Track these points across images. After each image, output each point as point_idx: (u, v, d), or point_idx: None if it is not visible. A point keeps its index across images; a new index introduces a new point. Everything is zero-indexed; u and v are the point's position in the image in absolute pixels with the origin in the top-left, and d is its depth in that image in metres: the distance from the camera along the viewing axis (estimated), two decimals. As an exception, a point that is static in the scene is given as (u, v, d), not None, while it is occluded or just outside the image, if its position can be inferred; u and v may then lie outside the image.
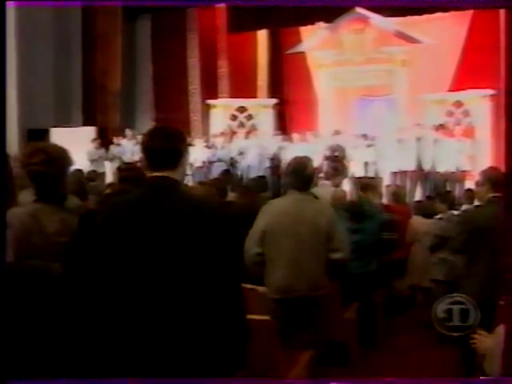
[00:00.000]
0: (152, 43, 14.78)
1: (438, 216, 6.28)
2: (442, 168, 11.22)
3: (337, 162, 5.37)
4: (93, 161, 11.94)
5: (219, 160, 12.29)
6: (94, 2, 13.38)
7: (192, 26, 14.71)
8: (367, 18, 13.62)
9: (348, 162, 10.18)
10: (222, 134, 13.31)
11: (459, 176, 11.16)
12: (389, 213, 6.10)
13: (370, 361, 4.77)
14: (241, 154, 12.34)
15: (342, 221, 4.85)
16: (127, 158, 11.80)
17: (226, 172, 10.50)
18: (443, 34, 13.13)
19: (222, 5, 14.50)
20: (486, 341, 2.46)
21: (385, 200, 7.60)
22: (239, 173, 12.08)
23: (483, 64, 12.37)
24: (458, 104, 12.75)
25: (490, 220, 3.79)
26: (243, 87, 14.65)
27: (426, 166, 11.35)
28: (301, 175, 3.83)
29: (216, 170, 11.41)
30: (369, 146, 11.79)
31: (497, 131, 12.11)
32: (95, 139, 12.58)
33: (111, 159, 12.31)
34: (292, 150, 10.73)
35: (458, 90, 12.77)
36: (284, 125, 14.41)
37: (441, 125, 11.76)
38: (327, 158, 10.16)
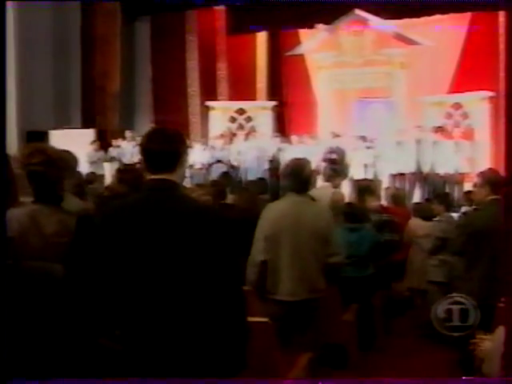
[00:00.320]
0: (151, 45, 14.76)
1: (437, 218, 6.27)
2: (441, 170, 11.21)
3: (336, 164, 5.34)
4: (92, 163, 11.90)
5: (218, 161, 12.30)
6: (94, 2, 13.40)
7: (191, 28, 14.71)
8: (366, 20, 13.60)
9: (348, 162, 10.15)
10: (222, 135, 13.32)
11: (458, 178, 11.16)
12: (388, 214, 6.10)
13: (368, 362, 4.77)
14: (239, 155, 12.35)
15: (340, 223, 4.85)
16: (126, 159, 11.77)
17: (225, 174, 10.50)
18: (442, 36, 13.10)
19: (222, 7, 14.51)
20: (485, 345, 2.45)
21: (384, 202, 7.60)
22: (238, 174, 12.08)
23: (482, 66, 12.38)
24: (457, 106, 12.73)
25: (489, 222, 3.79)
26: (242, 89, 14.65)
27: (425, 168, 11.35)
28: (299, 177, 3.81)
29: (215, 172, 11.41)
30: (368, 148, 11.76)
31: (496, 133, 12.13)
32: (94, 141, 12.56)
33: (110, 161, 12.30)
34: (291, 152, 10.71)
35: (457, 92, 12.76)
36: (283, 127, 14.41)
37: (440, 127, 11.74)
38: (326, 160, 10.13)
